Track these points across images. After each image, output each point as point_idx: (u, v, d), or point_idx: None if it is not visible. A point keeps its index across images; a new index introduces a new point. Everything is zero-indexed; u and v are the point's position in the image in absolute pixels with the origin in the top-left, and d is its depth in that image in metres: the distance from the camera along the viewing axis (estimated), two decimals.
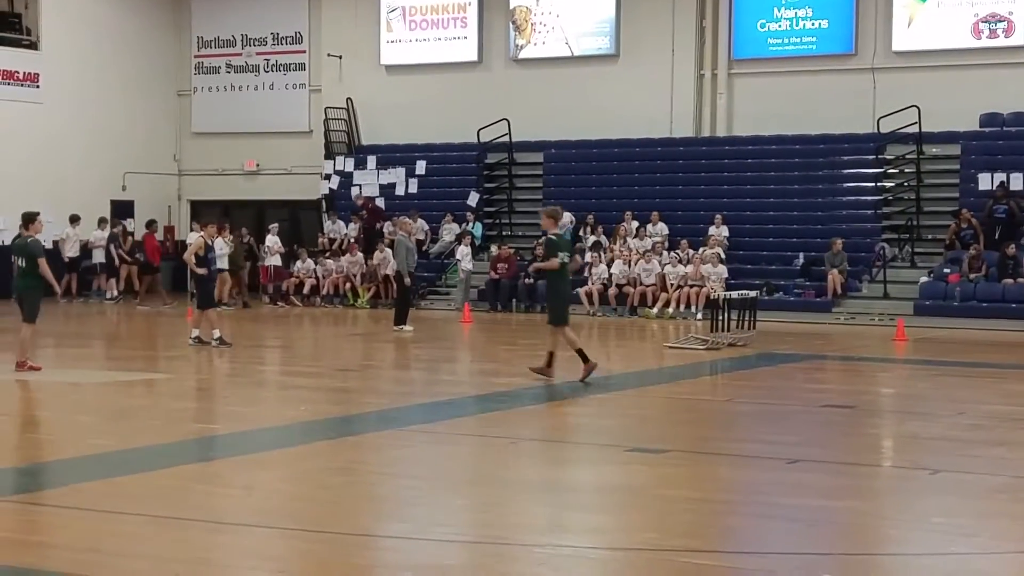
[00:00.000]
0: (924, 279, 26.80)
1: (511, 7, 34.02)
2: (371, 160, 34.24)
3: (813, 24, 31.35)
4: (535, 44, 34.09)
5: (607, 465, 10.87)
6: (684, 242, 28.80)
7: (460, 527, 8.67)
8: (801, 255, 28.33)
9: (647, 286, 27.93)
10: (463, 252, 29.69)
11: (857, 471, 10.77)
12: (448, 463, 11.06)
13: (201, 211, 34.81)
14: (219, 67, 37.55)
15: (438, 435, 12.23)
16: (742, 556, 7.99)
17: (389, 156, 34.30)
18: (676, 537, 8.20)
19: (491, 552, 7.95)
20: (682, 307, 27.40)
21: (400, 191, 33.65)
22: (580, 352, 15.80)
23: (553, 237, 16.37)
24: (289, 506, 9.15)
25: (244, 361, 19.18)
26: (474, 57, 34.46)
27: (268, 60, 36.94)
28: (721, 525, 8.78)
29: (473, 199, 32.66)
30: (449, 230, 31.78)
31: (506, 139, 32.98)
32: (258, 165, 36.88)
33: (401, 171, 33.76)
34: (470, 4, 34.48)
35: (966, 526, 8.70)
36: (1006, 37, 29.38)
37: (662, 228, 29.78)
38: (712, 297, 22.43)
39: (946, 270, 26.71)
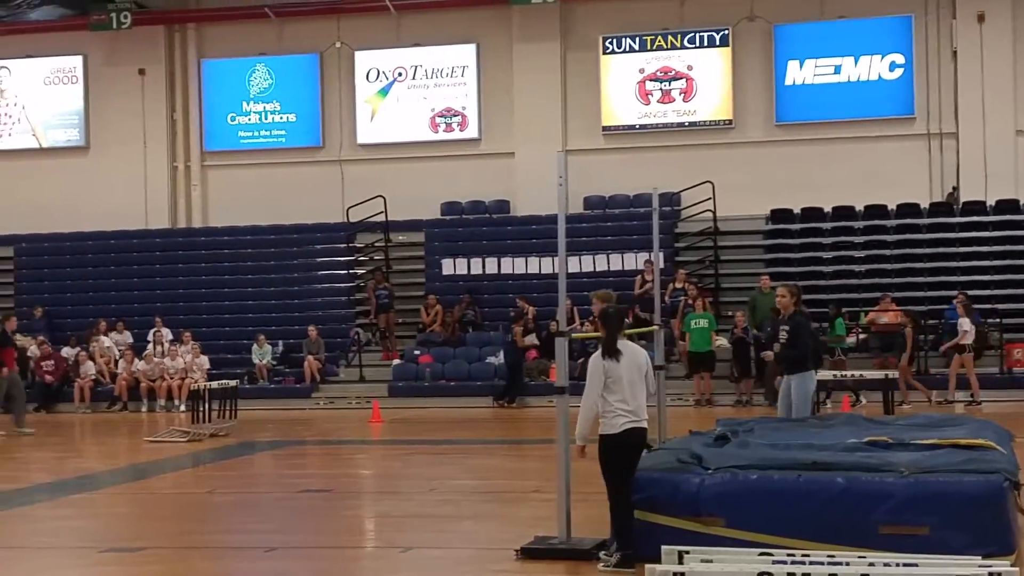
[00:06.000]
0: (397, 361, 27.93)
1: None
2: None
3: (282, 118, 32.24)
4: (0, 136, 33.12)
5: (77, 569, 10.56)
6: (161, 333, 28.62)
7: None
8: (280, 343, 28.83)
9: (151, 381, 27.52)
10: None
11: (333, 554, 11.05)
12: None
13: None
14: None
15: None
16: None
17: None
18: None
19: None
20: (163, 400, 27.26)
21: None
22: None
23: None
24: None
25: None
26: None
27: None
28: None
29: None
30: None
31: None
32: None
33: None
34: None
35: None
36: (461, 131, 31.40)
37: (127, 336, 29.22)
38: (193, 388, 22.48)
39: (416, 352, 27.95)
